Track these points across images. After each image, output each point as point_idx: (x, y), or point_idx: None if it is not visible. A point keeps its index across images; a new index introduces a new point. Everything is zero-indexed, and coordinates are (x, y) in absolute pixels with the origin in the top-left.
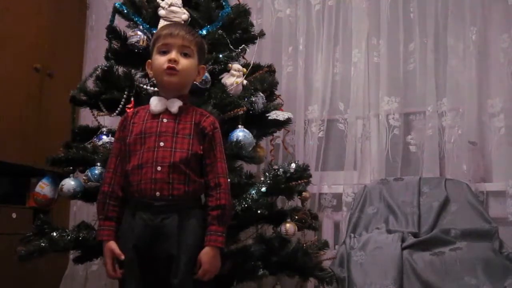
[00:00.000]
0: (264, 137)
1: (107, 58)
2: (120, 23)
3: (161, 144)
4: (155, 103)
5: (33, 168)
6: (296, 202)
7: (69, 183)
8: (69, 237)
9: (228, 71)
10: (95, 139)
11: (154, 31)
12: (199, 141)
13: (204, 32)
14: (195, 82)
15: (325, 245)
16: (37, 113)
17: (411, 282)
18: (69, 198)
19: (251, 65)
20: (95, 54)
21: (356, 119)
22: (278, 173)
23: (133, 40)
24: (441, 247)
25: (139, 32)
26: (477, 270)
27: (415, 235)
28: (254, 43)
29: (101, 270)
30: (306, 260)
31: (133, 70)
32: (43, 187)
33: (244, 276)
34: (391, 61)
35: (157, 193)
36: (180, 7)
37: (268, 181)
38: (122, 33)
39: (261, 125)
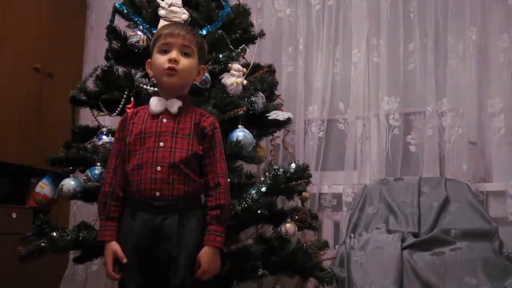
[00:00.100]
0: (264, 137)
1: (107, 58)
2: (120, 23)
3: (161, 144)
4: (154, 103)
5: (33, 168)
6: (296, 202)
7: (69, 183)
8: (69, 237)
9: (228, 71)
10: (95, 139)
11: (154, 31)
12: (199, 141)
13: (204, 32)
14: (195, 82)
15: (325, 245)
16: (37, 113)
17: (411, 282)
18: (69, 198)
19: (251, 65)
20: (95, 54)
21: (356, 119)
22: (278, 173)
23: (133, 40)
24: (441, 247)
25: (139, 32)
26: (477, 270)
27: (415, 235)
28: (254, 43)
29: (101, 270)
30: (306, 260)
31: (133, 70)
32: (43, 187)
33: (244, 276)
34: (391, 61)
35: (157, 193)
36: (180, 7)
37: (268, 181)
38: (122, 33)
39: (261, 125)
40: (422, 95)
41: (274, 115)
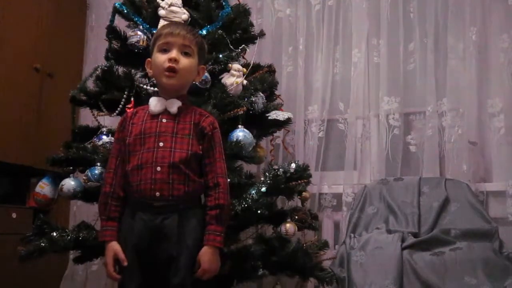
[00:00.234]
0: (264, 137)
1: (107, 58)
2: (120, 23)
3: (161, 144)
4: (154, 104)
5: (33, 168)
6: (296, 202)
7: (69, 183)
8: (69, 237)
9: (228, 71)
10: (95, 139)
11: (154, 31)
12: (199, 141)
13: (204, 32)
14: (195, 82)
15: (325, 245)
16: (37, 113)
17: (411, 282)
18: (69, 198)
19: (251, 65)
20: (95, 54)
21: (356, 119)
22: (278, 173)
23: (133, 40)
24: (441, 247)
25: (139, 32)
26: (477, 270)
27: (415, 235)
28: (254, 43)
29: (101, 270)
30: (306, 260)
31: (133, 70)
32: (43, 187)
33: (244, 276)
34: (391, 61)
35: (157, 194)
36: (180, 7)
37: (268, 181)
38: (122, 33)
39: (261, 125)
40: (422, 95)
41: (274, 115)
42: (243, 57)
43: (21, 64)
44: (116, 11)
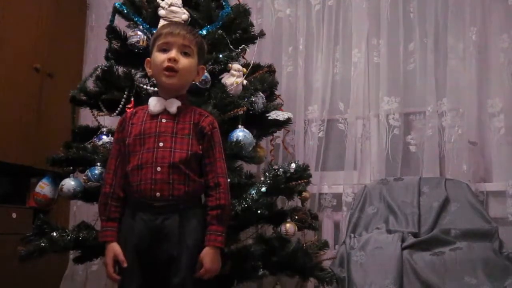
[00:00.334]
0: (264, 137)
1: (107, 58)
2: (120, 23)
3: (161, 144)
4: (153, 104)
5: (33, 168)
6: (296, 202)
7: (69, 183)
8: (69, 237)
9: (228, 71)
10: (95, 139)
11: (154, 31)
12: (198, 141)
13: (204, 32)
14: (195, 82)
15: (325, 245)
16: (37, 113)
17: (411, 282)
18: (69, 198)
19: (251, 65)
20: (95, 54)
21: (356, 119)
22: (278, 173)
23: (133, 40)
24: (441, 247)
25: (139, 32)
26: (477, 270)
27: (415, 235)
28: (254, 43)
29: (101, 270)
30: (306, 260)
31: (133, 70)
32: (43, 187)
33: (244, 276)
34: (391, 61)
35: (158, 194)
36: (180, 7)
37: (268, 181)
38: (122, 33)
39: (261, 125)
40: (422, 95)
41: (274, 115)
42: (243, 57)
43: (21, 64)
44: (116, 11)
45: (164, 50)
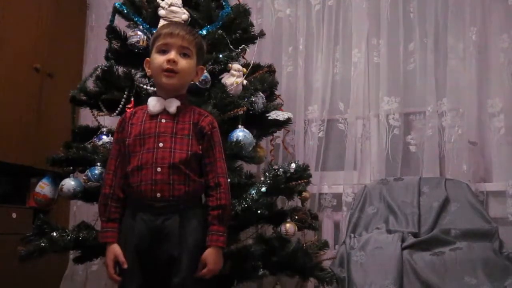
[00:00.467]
0: (264, 137)
1: (107, 58)
2: (120, 23)
3: (160, 144)
4: (153, 104)
5: (33, 168)
6: (296, 202)
7: (69, 183)
8: (69, 237)
9: (228, 71)
10: (95, 139)
11: (154, 31)
12: (198, 140)
13: (204, 32)
14: (194, 82)
15: (325, 245)
16: (37, 113)
17: (411, 282)
18: (69, 198)
19: (251, 65)
20: (95, 54)
21: (356, 119)
22: (278, 173)
23: (133, 40)
24: (441, 247)
25: (139, 32)
26: (477, 270)
27: (415, 235)
28: (254, 43)
29: (101, 270)
30: (306, 260)
31: (133, 70)
32: (43, 187)
33: (244, 276)
34: (391, 61)
35: (158, 194)
36: (180, 7)
37: (268, 181)
38: (122, 33)
39: (261, 125)
40: (422, 95)
41: (274, 115)
42: (243, 57)
43: (21, 64)
44: (116, 11)
45: (163, 51)
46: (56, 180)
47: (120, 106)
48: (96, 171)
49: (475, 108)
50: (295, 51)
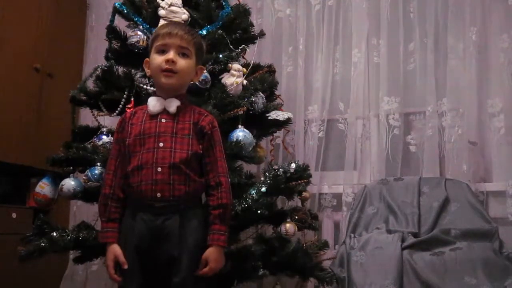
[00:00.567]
0: (264, 137)
1: (107, 58)
2: (120, 23)
3: (161, 144)
4: (153, 104)
5: (33, 168)
6: (296, 202)
7: (69, 183)
8: (69, 237)
9: (228, 71)
10: (95, 139)
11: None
12: (198, 140)
13: (204, 32)
14: (194, 82)
15: (325, 245)
16: (37, 113)
17: (411, 282)
18: (69, 198)
19: (251, 65)
20: (95, 54)
21: (356, 119)
22: (278, 173)
23: (133, 40)
24: (441, 247)
25: (139, 32)
26: (477, 270)
27: (415, 235)
28: (254, 43)
29: (101, 270)
30: (306, 260)
31: (133, 70)
32: (43, 187)
33: (244, 276)
34: (391, 61)
35: (158, 194)
36: (180, 7)
37: (268, 181)
38: (122, 33)
39: (261, 125)
40: (422, 95)
41: (274, 115)
42: (243, 57)
43: (21, 64)
44: (116, 11)
45: (162, 51)
46: (56, 180)
47: (120, 106)
48: (96, 171)
49: (475, 108)
50: (295, 51)
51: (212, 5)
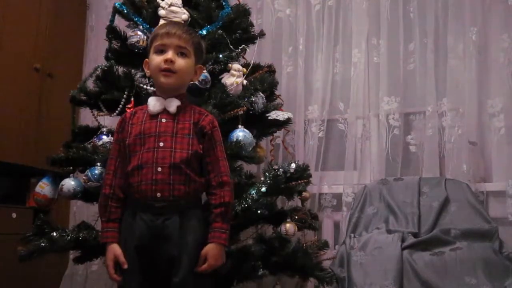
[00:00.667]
0: (264, 137)
1: (107, 58)
2: (120, 23)
3: (161, 144)
4: (153, 104)
5: (33, 168)
6: (296, 202)
7: (69, 183)
8: (69, 237)
9: (228, 71)
10: (95, 139)
11: None
12: (199, 140)
13: (204, 32)
14: (194, 82)
15: (325, 245)
16: (37, 113)
17: (411, 282)
18: (69, 198)
19: (251, 65)
20: (95, 54)
21: (356, 119)
22: (278, 173)
23: (133, 40)
24: (441, 247)
25: (139, 32)
26: (477, 270)
27: (415, 235)
28: (254, 43)
29: (101, 270)
30: (306, 260)
31: (133, 70)
32: (43, 187)
33: (244, 276)
34: (391, 61)
35: (158, 194)
36: (180, 7)
37: (268, 181)
38: (122, 33)
39: (261, 125)
40: (422, 95)
41: (274, 115)
42: (243, 57)
43: (21, 64)
44: (116, 11)
45: (161, 51)
46: (56, 180)
47: (120, 106)
48: (96, 171)
49: (475, 108)
50: (295, 51)
51: (212, 5)
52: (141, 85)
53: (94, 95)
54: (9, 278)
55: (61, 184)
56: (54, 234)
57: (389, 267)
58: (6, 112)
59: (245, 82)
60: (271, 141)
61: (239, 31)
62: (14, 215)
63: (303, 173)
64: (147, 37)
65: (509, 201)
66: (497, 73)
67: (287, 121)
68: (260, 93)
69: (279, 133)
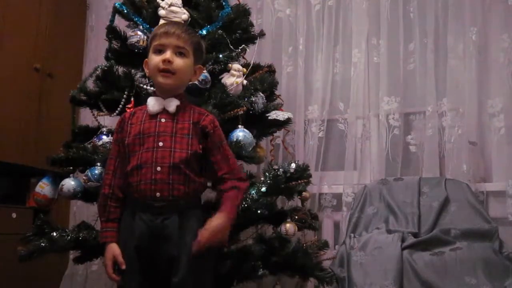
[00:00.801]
0: (264, 137)
1: (107, 58)
2: (120, 23)
3: (160, 144)
4: (152, 103)
5: (33, 168)
6: (296, 202)
7: (69, 183)
8: (69, 237)
9: (228, 71)
10: (95, 139)
11: None
12: (199, 140)
13: (204, 32)
14: (193, 82)
15: (325, 245)
16: (37, 113)
17: (411, 282)
18: (69, 198)
19: (251, 65)
20: (95, 54)
21: (356, 119)
22: (278, 173)
23: (133, 40)
24: (441, 247)
25: (139, 32)
26: (477, 270)
27: (415, 235)
28: (254, 43)
29: (101, 270)
30: (306, 260)
31: (133, 70)
32: (43, 187)
33: (244, 276)
34: (391, 61)
35: (157, 194)
36: (180, 7)
37: (268, 181)
38: (122, 33)
39: (261, 125)
40: (422, 95)
41: (274, 115)
42: (243, 57)
43: (21, 64)
44: (116, 11)
45: (160, 51)
46: (56, 180)
47: (120, 106)
48: (96, 171)
49: (475, 108)
50: (295, 51)
51: (212, 5)
52: (141, 85)
53: (94, 95)
54: (9, 278)
55: (61, 184)
56: (54, 234)
57: (389, 267)
58: (6, 112)
59: (245, 82)
60: (271, 141)
61: (239, 31)
62: (14, 215)
63: (303, 173)
64: (147, 37)
65: (509, 201)
66: (497, 73)
67: (287, 121)
68: (260, 93)
69: (279, 133)
